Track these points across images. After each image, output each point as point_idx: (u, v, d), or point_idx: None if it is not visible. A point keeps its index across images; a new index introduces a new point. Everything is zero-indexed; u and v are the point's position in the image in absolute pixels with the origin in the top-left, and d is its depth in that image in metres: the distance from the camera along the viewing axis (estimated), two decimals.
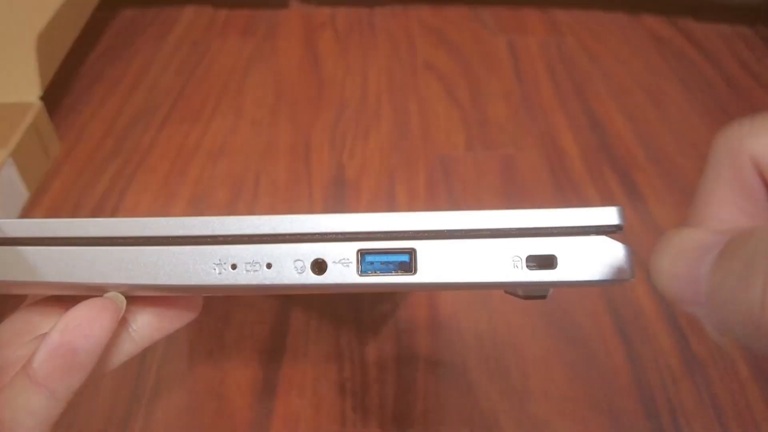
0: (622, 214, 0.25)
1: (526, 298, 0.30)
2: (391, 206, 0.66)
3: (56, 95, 0.81)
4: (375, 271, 0.25)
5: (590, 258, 0.25)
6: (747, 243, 0.16)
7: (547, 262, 0.25)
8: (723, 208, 0.21)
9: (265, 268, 0.25)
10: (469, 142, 0.74)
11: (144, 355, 0.51)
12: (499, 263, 0.25)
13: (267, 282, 0.25)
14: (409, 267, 0.25)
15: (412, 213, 0.25)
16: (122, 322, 0.27)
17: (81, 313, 0.25)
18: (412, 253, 0.25)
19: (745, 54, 0.92)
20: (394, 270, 0.25)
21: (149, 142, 0.75)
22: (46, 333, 0.25)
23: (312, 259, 0.25)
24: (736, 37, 0.97)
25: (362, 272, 0.25)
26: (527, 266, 0.25)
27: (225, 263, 0.25)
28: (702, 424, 0.47)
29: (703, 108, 0.81)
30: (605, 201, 0.66)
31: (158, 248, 0.25)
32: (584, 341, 0.52)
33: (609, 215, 0.25)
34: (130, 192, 0.68)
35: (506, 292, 0.32)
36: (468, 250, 0.25)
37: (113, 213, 0.65)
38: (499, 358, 0.51)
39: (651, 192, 0.67)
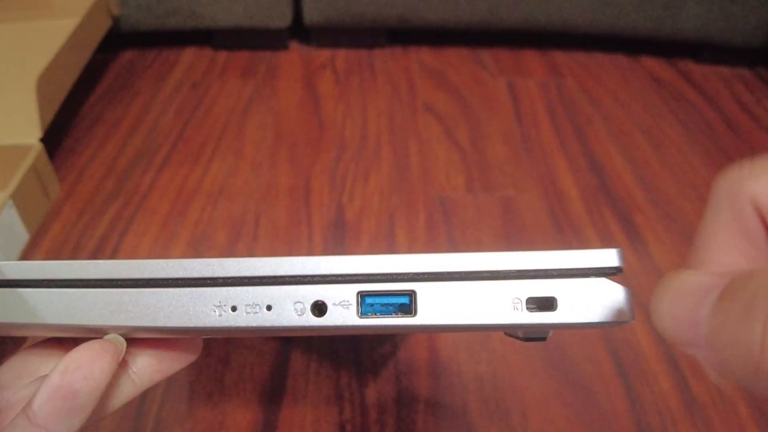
0: (622, 256, 0.26)
1: (526, 340, 0.31)
2: (391, 248, 0.68)
3: (56, 137, 0.84)
4: (375, 313, 0.26)
5: (590, 300, 0.25)
6: (747, 285, 0.17)
7: (547, 304, 0.25)
8: (723, 250, 0.21)
9: (265, 310, 0.26)
10: (469, 184, 0.77)
11: (144, 396, 0.53)
12: (499, 305, 0.25)
13: (267, 324, 0.26)
14: (409, 309, 0.26)
15: (411, 255, 0.26)
16: (122, 364, 0.28)
17: (81, 355, 0.25)
18: (412, 295, 0.26)
19: (744, 96, 0.96)
20: (394, 312, 0.26)
21: (149, 183, 0.78)
22: (46, 375, 0.25)
23: (312, 301, 0.26)
24: (735, 79, 1.01)
25: (362, 314, 0.26)
26: (527, 308, 0.25)
27: (225, 305, 0.26)
28: None
29: (703, 150, 0.84)
30: (605, 243, 0.69)
31: (158, 290, 0.26)
32: (584, 383, 0.54)
33: (609, 257, 0.25)
34: (130, 234, 0.70)
35: (506, 333, 0.32)
36: (468, 292, 0.26)
37: (113, 255, 0.68)
38: (499, 399, 0.53)
39: (651, 234, 0.70)
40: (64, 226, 0.72)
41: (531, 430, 0.51)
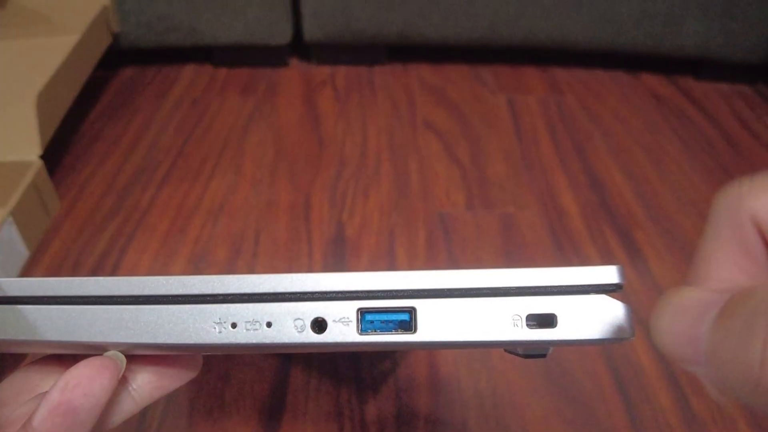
0: (622, 273, 0.26)
1: (526, 356, 0.31)
2: (391, 265, 0.70)
3: (56, 154, 0.86)
4: (375, 330, 0.26)
5: (590, 317, 0.26)
6: (747, 302, 0.17)
7: (547, 320, 0.26)
8: (723, 266, 0.21)
9: (265, 326, 0.26)
10: (469, 201, 0.79)
11: (144, 413, 0.54)
12: (499, 322, 0.26)
13: (267, 341, 0.26)
14: (409, 326, 0.26)
15: (411, 272, 0.26)
16: (122, 381, 0.28)
17: (81, 371, 0.26)
18: (412, 311, 0.26)
19: (745, 112, 0.98)
20: (394, 329, 0.26)
21: (149, 200, 0.79)
22: (46, 391, 0.26)
23: (312, 318, 0.26)
24: (736, 96, 1.02)
25: (362, 331, 0.26)
26: (527, 325, 0.26)
27: (225, 322, 0.26)
28: None
29: (703, 166, 0.85)
30: (605, 259, 0.70)
31: (158, 307, 0.26)
32: (584, 400, 0.55)
33: (609, 274, 0.26)
34: (130, 250, 0.71)
35: (506, 350, 0.33)
36: (468, 309, 0.26)
37: (113, 272, 0.69)
38: (498, 416, 0.54)
39: (651, 250, 0.71)
40: (64, 243, 0.73)
41: None
